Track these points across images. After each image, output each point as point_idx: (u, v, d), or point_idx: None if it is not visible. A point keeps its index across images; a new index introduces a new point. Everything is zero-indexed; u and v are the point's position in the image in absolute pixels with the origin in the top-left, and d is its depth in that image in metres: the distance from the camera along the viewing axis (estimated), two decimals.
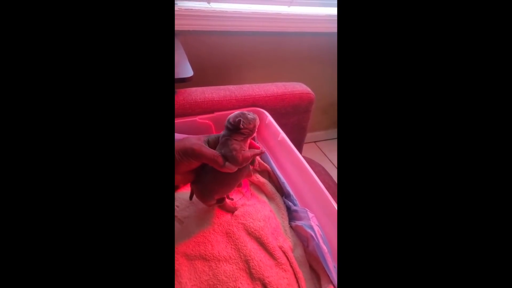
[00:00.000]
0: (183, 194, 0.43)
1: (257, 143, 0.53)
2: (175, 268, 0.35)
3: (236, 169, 0.32)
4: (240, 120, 0.33)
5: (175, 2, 0.70)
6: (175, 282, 0.34)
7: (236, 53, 0.85)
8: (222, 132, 0.34)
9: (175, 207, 0.42)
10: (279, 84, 0.64)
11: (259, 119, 0.57)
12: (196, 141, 0.32)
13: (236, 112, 0.35)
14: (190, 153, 0.31)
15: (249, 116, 0.34)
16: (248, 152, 0.33)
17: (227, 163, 0.32)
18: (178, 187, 0.45)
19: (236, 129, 0.33)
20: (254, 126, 0.35)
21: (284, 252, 0.37)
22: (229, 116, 0.34)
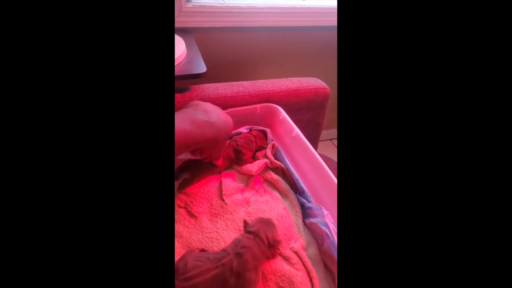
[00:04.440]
0: (197, 189, 0.44)
1: (272, 140, 0.52)
2: None
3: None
4: None
5: None
6: None
7: (250, 49, 0.84)
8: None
9: (189, 202, 0.42)
10: (294, 79, 0.63)
11: (273, 115, 0.57)
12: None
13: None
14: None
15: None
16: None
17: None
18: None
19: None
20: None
21: (295, 252, 0.37)
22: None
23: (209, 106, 0.39)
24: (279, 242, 0.35)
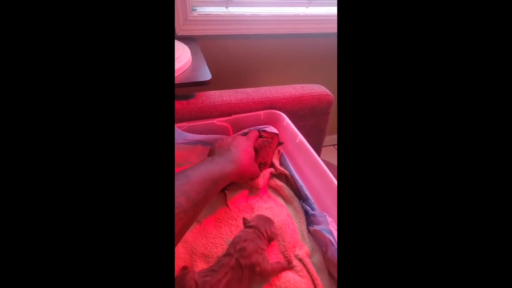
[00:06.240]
0: None
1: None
2: (194, 268, 0.35)
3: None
4: None
5: (194, 8, 0.72)
6: None
7: (254, 56, 0.85)
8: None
9: None
10: (297, 86, 0.63)
11: (277, 122, 0.57)
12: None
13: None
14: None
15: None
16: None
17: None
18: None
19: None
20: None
21: (300, 259, 0.36)
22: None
23: (224, 146, 0.43)
24: (277, 235, 0.38)
